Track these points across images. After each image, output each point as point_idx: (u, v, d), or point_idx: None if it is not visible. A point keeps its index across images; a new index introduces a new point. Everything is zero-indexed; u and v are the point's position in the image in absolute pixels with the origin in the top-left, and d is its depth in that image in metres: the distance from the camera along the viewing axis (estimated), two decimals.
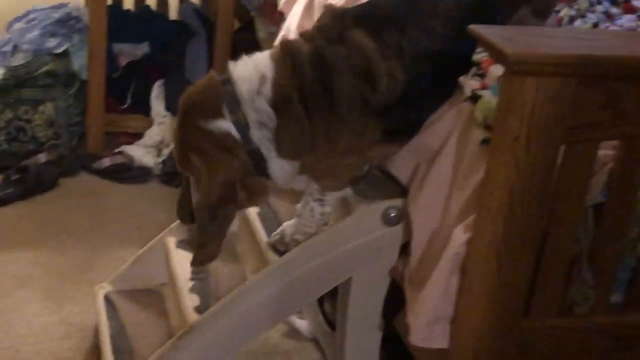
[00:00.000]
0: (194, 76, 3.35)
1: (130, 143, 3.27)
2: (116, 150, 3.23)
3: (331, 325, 2.23)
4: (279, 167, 1.74)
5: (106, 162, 3.15)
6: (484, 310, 1.57)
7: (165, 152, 3.18)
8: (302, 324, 2.37)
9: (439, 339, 1.68)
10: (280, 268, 1.92)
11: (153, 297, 2.27)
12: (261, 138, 1.69)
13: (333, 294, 2.10)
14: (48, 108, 3.18)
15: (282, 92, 1.66)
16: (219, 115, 1.67)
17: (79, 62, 3.21)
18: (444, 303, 1.65)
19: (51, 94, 3.17)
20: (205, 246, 1.76)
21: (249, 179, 1.73)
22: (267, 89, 1.66)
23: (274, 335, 2.35)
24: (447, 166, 1.72)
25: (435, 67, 1.72)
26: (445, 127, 1.75)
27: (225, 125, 1.67)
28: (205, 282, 2.11)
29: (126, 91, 3.36)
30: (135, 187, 3.10)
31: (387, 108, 1.70)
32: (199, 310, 1.99)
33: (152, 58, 3.40)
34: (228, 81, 1.69)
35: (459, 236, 1.61)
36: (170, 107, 3.26)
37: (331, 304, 2.28)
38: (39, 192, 2.97)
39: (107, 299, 2.25)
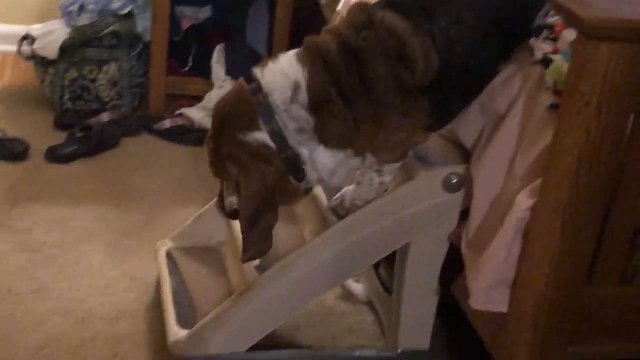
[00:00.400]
0: (255, 41, 3.37)
1: (190, 106, 3.31)
2: (177, 113, 3.27)
3: (386, 289, 2.25)
4: (327, 161, 1.76)
5: (167, 123, 3.19)
6: (546, 276, 1.58)
7: None
8: (357, 287, 2.39)
9: (499, 303, 1.69)
10: (340, 231, 1.94)
11: (213, 255, 2.31)
12: (301, 142, 1.72)
13: (389, 259, 2.12)
14: (112, 68, 3.24)
15: (319, 93, 1.67)
16: (254, 127, 1.70)
17: (142, 24, 3.25)
18: (506, 268, 1.66)
19: (115, 54, 3.23)
20: (251, 250, 1.81)
21: (284, 184, 1.77)
22: (303, 95, 1.67)
23: (329, 297, 2.38)
24: (513, 129, 1.71)
25: (466, 54, 1.71)
26: (512, 90, 1.74)
27: (261, 136, 1.71)
28: None
29: (188, 54, 3.40)
30: (195, 149, 3.14)
31: (428, 90, 1.69)
32: (259, 269, 2.03)
33: (214, 22, 3.43)
34: (259, 91, 1.70)
35: (523, 201, 1.61)
36: (230, 71, 3.29)
37: (387, 269, 2.30)
38: (102, 150, 3.03)
39: (169, 255, 2.29)
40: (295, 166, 1.74)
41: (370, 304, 2.36)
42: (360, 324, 2.30)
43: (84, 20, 3.20)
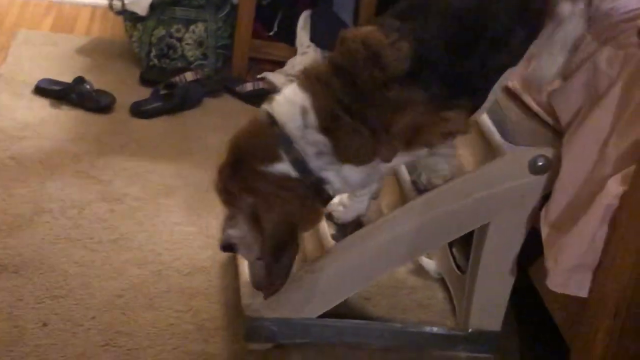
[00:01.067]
0: (341, 9, 3.36)
1: (272, 70, 3.33)
2: (258, 76, 3.30)
3: (459, 267, 2.24)
4: (357, 176, 1.77)
5: (249, 86, 3.22)
6: (631, 265, 1.56)
7: None
8: (429, 262, 2.39)
9: (578, 287, 1.68)
10: (420, 206, 1.94)
11: None
12: (322, 165, 1.74)
13: (463, 237, 2.11)
14: (199, 28, 3.27)
15: (326, 113, 1.69)
16: (276, 158, 1.72)
17: None
18: (589, 252, 1.64)
19: (203, 15, 3.26)
20: (274, 287, 1.85)
21: (308, 211, 1.78)
22: (312, 119, 1.70)
23: (401, 270, 2.38)
24: (610, 111, 1.68)
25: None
26: (613, 70, 1.70)
27: (283, 167, 1.73)
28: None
29: (273, 19, 3.41)
30: None
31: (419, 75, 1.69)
32: (335, 237, 2.04)
33: None
34: (275, 123, 1.73)
35: (614, 188, 1.59)
36: (314, 38, 3.30)
37: (460, 247, 2.29)
38: (184, 108, 3.07)
39: None
40: (319, 189, 1.77)
41: (441, 280, 2.36)
42: (430, 299, 2.30)
43: None
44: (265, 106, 1.77)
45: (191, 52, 3.29)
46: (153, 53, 3.27)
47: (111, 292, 2.15)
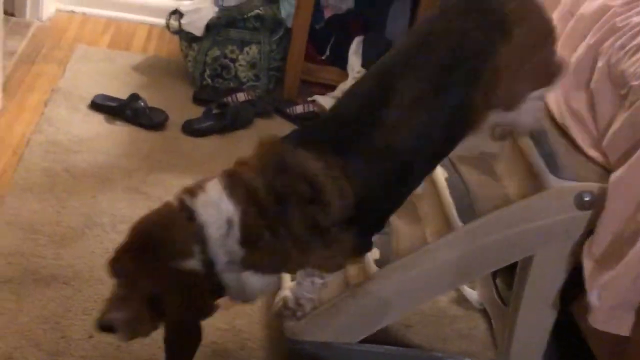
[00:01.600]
0: (394, 36, 3.39)
1: (323, 94, 3.37)
2: (309, 99, 3.34)
3: (501, 299, 2.24)
4: (257, 283, 1.75)
5: (299, 108, 3.26)
6: None
7: None
8: (471, 293, 2.39)
9: (621, 326, 1.67)
10: (465, 236, 1.95)
11: None
12: (227, 269, 1.70)
13: (507, 268, 2.11)
14: (252, 50, 3.33)
15: (252, 233, 1.67)
16: (189, 254, 1.67)
17: (286, 10, 3.32)
18: (632, 290, 1.63)
19: (257, 37, 3.32)
20: None
21: (207, 306, 1.74)
22: (236, 233, 1.66)
23: (442, 299, 2.39)
24: None
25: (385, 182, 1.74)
26: None
27: (193, 264, 1.67)
28: (387, 237, 2.17)
29: (326, 43, 3.45)
30: None
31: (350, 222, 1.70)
32: (379, 263, 2.05)
33: (355, 13, 3.47)
34: (194, 219, 1.68)
35: None
36: (365, 63, 3.33)
37: (504, 278, 2.28)
38: (235, 128, 3.13)
39: None
40: (219, 289, 1.73)
41: (483, 311, 2.36)
42: (472, 330, 2.30)
43: (231, 1, 3.31)
44: (185, 197, 1.72)
45: (244, 73, 3.35)
46: (207, 73, 3.34)
47: None
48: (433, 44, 1.74)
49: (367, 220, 1.76)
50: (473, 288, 2.41)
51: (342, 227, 1.69)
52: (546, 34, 1.84)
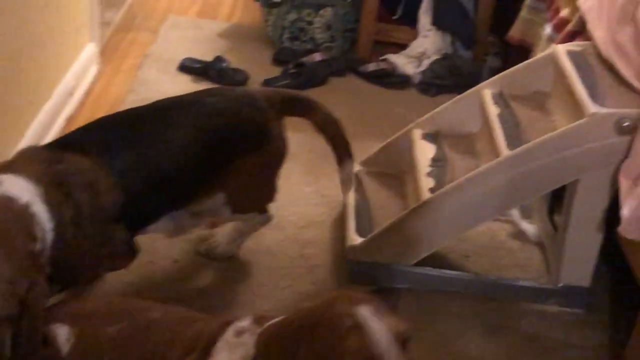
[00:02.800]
0: None
1: (395, 52, 3.53)
2: (381, 58, 3.51)
3: (556, 228, 2.36)
4: None
5: (371, 66, 3.44)
6: None
7: (426, 62, 3.40)
8: (529, 227, 2.52)
9: None
10: (510, 161, 2.09)
11: (395, 180, 2.53)
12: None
13: (561, 202, 2.24)
14: (328, 13, 3.52)
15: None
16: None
17: None
18: None
19: (332, 0, 3.51)
20: None
21: None
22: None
23: (501, 233, 2.53)
24: None
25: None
26: None
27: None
28: (442, 169, 2.33)
29: (398, 3, 3.61)
30: (394, 92, 3.37)
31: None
32: (433, 191, 2.22)
33: None
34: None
35: None
36: (436, 21, 3.46)
37: (560, 213, 2.40)
38: (311, 86, 3.32)
39: (357, 177, 2.54)
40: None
41: (539, 245, 2.48)
42: (527, 261, 2.43)
43: None
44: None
45: (320, 35, 3.55)
46: (285, 35, 3.56)
47: None
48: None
49: (132, 221, 1.87)
50: (530, 223, 2.53)
51: (112, 226, 1.80)
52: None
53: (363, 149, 2.89)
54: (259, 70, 3.41)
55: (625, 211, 1.82)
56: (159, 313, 1.56)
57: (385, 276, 2.21)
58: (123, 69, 3.36)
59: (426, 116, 2.52)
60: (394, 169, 2.55)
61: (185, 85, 3.27)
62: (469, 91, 2.47)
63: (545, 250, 2.42)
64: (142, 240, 2.03)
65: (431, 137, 2.47)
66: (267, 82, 3.29)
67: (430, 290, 2.25)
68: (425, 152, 2.41)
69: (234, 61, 3.40)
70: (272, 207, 2.56)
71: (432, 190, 2.21)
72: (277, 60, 3.51)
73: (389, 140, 2.57)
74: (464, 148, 2.40)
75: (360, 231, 2.27)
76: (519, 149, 2.07)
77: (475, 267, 2.39)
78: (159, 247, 2.34)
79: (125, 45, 3.55)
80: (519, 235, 2.52)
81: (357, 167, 2.57)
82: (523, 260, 2.43)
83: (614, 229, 2.12)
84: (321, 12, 3.52)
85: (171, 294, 2.17)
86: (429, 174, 2.29)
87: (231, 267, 2.30)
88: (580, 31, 2.40)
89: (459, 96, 2.49)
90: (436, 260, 2.28)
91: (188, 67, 3.36)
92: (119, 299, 1.81)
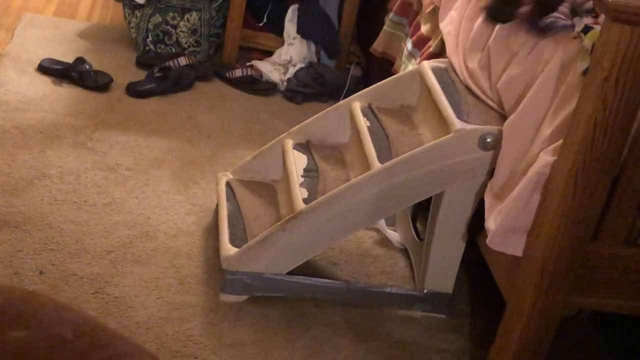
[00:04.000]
0: (326, 5, 3.59)
1: (261, 59, 3.56)
2: (247, 64, 3.52)
3: (420, 239, 2.47)
4: None
5: (238, 72, 3.45)
6: (557, 227, 1.78)
7: (291, 71, 3.45)
8: (393, 234, 2.62)
9: (514, 247, 1.90)
10: (382, 173, 2.17)
11: (267, 189, 2.56)
12: None
13: (425, 212, 2.35)
14: (193, 17, 3.50)
15: None
16: None
17: None
18: (523, 215, 1.87)
19: (198, 4, 3.49)
20: None
21: None
22: None
23: (367, 241, 2.62)
24: (545, 94, 1.91)
25: None
26: (548, 60, 1.94)
27: None
28: (314, 180, 2.38)
29: (264, 11, 3.64)
30: (261, 99, 3.40)
31: None
32: (306, 202, 2.27)
33: None
34: None
35: (545, 158, 1.82)
36: (300, 30, 3.52)
37: (422, 221, 2.52)
38: (177, 90, 3.30)
39: (228, 185, 2.55)
40: None
41: (403, 251, 2.59)
42: (393, 267, 2.53)
43: None
44: None
45: (185, 39, 3.52)
46: (149, 39, 3.50)
47: (103, 248, 2.38)
48: None
49: None
50: (394, 230, 2.64)
51: None
52: None
53: (233, 156, 2.92)
54: (122, 73, 3.35)
55: (491, 225, 1.93)
56: (71, 333, 1.47)
57: (258, 285, 2.24)
58: None
59: (297, 126, 2.56)
60: (266, 177, 2.58)
61: (45, 87, 3.17)
62: (338, 103, 2.54)
63: (410, 257, 2.53)
64: None
65: (302, 147, 2.51)
66: (131, 86, 3.24)
67: (301, 298, 2.31)
68: (297, 162, 2.45)
69: (95, 63, 3.32)
70: (140, 216, 2.54)
71: (305, 200, 2.26)
72: (141, 64, 3.45)
73: (261, 149, 2.59)
74: (334, 159, 2.47)
75: (233, 241, 2.29)
76: (389, 162, 2.15)
77: (344, 275, 2.46)
78: (26, 261, 2.26)
79: None
80: (384, 242, 2.63)
81: (228, 176, 2.58)
82: (388, 267, 2.53)
83: (473, 237, 2.26)
84: (187, 16, 3.50)
85: None
86: (302, 185, 2.34)
87: (100, 279, 2.26)
88: (441, 53, 2.53)
89: (328, 108, 2.55)
90: (306, 268, 2.33)
91: (48, 69, 3.24)
92: (33, 296, 1.62)
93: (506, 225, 1.90)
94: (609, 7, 1.60)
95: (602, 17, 1.90)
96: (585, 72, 1.78)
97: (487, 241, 1.94)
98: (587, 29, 1.87)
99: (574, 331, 2.39)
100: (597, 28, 1.85)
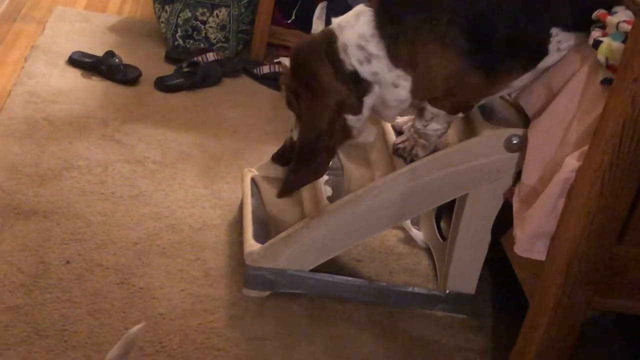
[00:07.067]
0: (355, 1, 3.59)
1: (288, 56, 3.57)
2: (275, 60, 3.54)
3: (443, 238, 2.47)
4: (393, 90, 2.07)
5: (265, 69, 3.47)
6: (582, 227, 1.78)
7: None
8: (417, 233, 2.62)
9: (539, 252, 1.90)
10: (407, 174, 2.18)
11: None
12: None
13: (450, 212, 2.35)
14: (222, 13, 3.52)
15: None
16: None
17: None
18: (549, 221, 1.86)
19: (227, 0, 3.52)
20: (292, 189, 2.24)
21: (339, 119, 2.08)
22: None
23: (391, 239, 2.62)
24: (571, 101, 1.91)
25: None
26: (570, 67, 1.93)
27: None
28: (339, 178, 2.39)
29: (292, 8, 3.65)
30: None
31: None
32: (331, 200, 2.28)
33: None
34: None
35: (571, 163, 1.81)
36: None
37: (446, 221, 2.52)
38: (204, 86, 3.32)
39: (253, 181, 2.57)
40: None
41: (427, 250, 2.59)
42: (416, 265, 2.54)
43: None
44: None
45: (214, 35, 3.54)
46: (178, 34, 3.53)
47: (129, 240, 2.41)
48: None
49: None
50: (419, 229, 2.64)
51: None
52: None
53: (258, 152, 2.93)
54: (151, 67, 3.38)
55: (518, 231, 1.93)
56: None
57: (281, 281, 2.25)
58: (9, 61, 3.25)
59: None
60: None
61: (74, 80, 3.21)
62: None
63: (433, 256, 2.53)
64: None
65: None
66: (159, 80, 3.26)
67: (325, 296, 2.32)
68: None
69: (124, 57, 3.35)
70: (166, 209, 2.57)
71: (329, 199, 2.27)
72: (170, 58, 3.48)
73: None
74: (359, 157, 2.47)
75: (257, 237, 2.30)
76: (415, 163, 2.15)
77: (366, 272, 2.47)
78: (53, 251, 2.29)
79: (12, 36, 3.43)
80: (408, 240, 2.63)
81: (254, 172, 2.60)
82: (411, 265, 2.53)
83: (497, 238, 2.26)
84: (216, 12, 3.52)
85: (64, 297, 2.14)
86: (327, 182, 2.35)
87: (126, 269, 2.28)
88: None
89: None
90: (329, 264, 2.34)
91: (78, 61, 3.28)
92: None
93: (533, 232, 1.90)
94: (638, 8, 1.59)
95: (609, 24, 1.90)
96: (605, 83, 1.78)
97: (515, 248, 1.94)
98: (596, 44, 1.86)
99: (597, 333, 2.38)
100: (605, 39, 1.85)
